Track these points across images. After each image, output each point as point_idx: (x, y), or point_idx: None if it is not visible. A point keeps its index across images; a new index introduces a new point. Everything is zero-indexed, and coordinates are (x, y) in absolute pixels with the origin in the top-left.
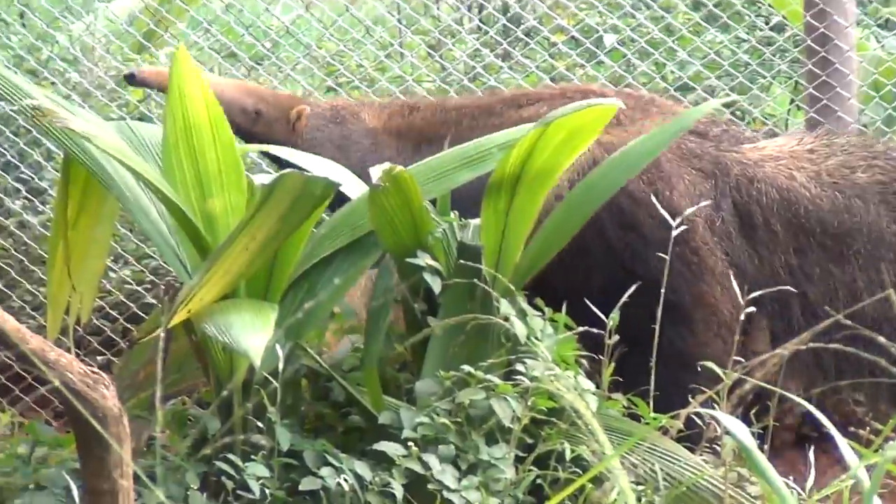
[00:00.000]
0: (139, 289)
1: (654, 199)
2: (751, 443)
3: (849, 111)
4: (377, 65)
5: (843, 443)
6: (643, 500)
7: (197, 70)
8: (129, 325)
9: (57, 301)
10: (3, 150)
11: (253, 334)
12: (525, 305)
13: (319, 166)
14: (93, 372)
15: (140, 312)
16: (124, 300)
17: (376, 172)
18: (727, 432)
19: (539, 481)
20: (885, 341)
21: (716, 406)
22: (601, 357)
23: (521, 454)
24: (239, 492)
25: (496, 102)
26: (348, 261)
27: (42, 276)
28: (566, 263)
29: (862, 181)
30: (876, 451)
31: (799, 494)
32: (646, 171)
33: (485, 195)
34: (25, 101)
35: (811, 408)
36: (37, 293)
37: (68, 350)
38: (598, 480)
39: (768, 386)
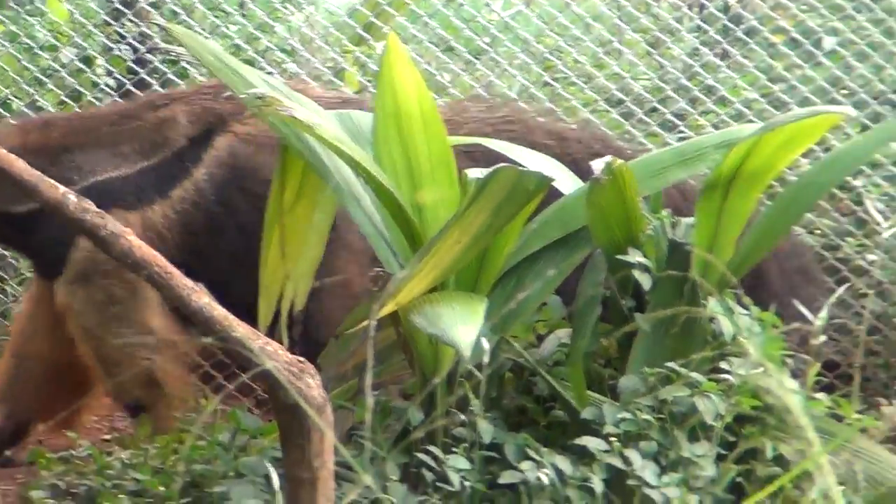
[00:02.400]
0: None
1: None
2: None
3: None
4: (595, 61)
5: None
6: (843, 500)
7: (409, 59)
8: None
9: (270, 288)
10: None
11: (462, 327)
12: (732, 304)
13: (533, 160)
14: (298, 361)
15: None
16: None
17: (599, 165)
18: None
19: (739, 479)
20: None
21: None
22: None
23: (722, 452)
24: (439, 483)
25: (134, 107)
26: (558, 256)
27: None
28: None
29: None
30: None
31: None
32: None
33: (699, 194)
34: (250, 90)
35: None
36: None
37: (279, 340)
38: (796, 479)
39: None
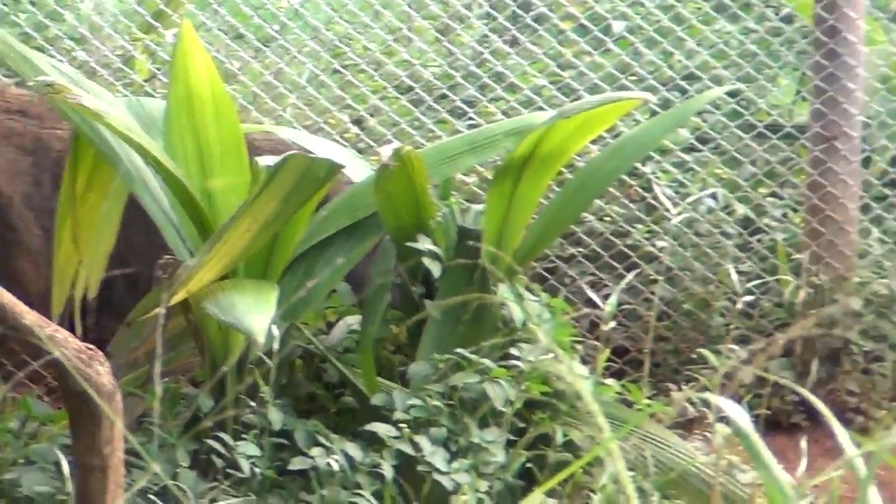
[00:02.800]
0: None
1: None
2: (749, 428)
3: (854, 103)
4: (385, 49)
5: (840, 430)
6: (632, 486)
7: (202, 46)
8: None
9: (63, 275)
10: None
11: (256, 314)
12: (523, 290)
13: (324, 148)
14: (87, 348)
15: None
16: None
17: (388, 151)
18: (722, 418)
19: (529, 465)
20: None
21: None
22: None
23: (512, 438)
24: (229, 470)
25: None
26: (348, 243)
27: None
28: None
29: None
30: (872, 439)
31: (791, 481)
32: None
33: (491, 180)
34: (39, 77)
35: (808, 394)
36: None
37: (70, 327)
38: (587, 465)
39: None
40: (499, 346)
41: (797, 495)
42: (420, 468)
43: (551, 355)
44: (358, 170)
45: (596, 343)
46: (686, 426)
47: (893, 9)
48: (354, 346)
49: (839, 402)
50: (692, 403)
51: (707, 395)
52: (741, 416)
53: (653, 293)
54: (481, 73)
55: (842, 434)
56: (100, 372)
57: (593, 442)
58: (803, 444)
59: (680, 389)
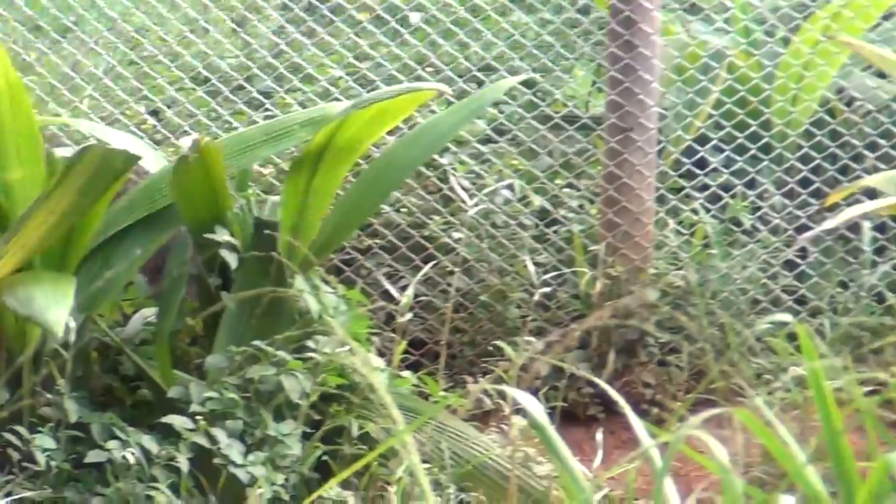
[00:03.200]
0: None
1: None
2: (544, 420)
3: (650, 94)
4: (181, 39)
5: (636, 421)
6: (429, 478)
7: None
8: None
9: None
10: None
11: (54, 308)
12: (319, 282)
13: (120, 139)
14: None
15: None
16: None
17: (187, 142)
18: (518, 410)
19: (325, 458)
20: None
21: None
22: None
23: (308, 430)
24: (24, 463)
25: None
26: (145, 234)
27: None
28: None
29: None
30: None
31: (587, 473)
32: None
33: (287, 171)
34: None
35: (604, 385)
36: None
37: None
38: (384, 458)
39: (560, 365)
40: (295, 338)
41: (593, 487)
42: (216, 461)
43: (347, 347)
44: (155, 161)
45: (392, 335)
46: (482, 418)
47: (689, 1)
48: (151, 339)
49: (635, 394)
50: (488, 395)
51: (503, 386)
52: (537, 407)
53: (449, 285)
54: (278, 64)
55: (638, 426)
56: None
57: (389, 434)
58: (599, 435)
59: (476, 381)
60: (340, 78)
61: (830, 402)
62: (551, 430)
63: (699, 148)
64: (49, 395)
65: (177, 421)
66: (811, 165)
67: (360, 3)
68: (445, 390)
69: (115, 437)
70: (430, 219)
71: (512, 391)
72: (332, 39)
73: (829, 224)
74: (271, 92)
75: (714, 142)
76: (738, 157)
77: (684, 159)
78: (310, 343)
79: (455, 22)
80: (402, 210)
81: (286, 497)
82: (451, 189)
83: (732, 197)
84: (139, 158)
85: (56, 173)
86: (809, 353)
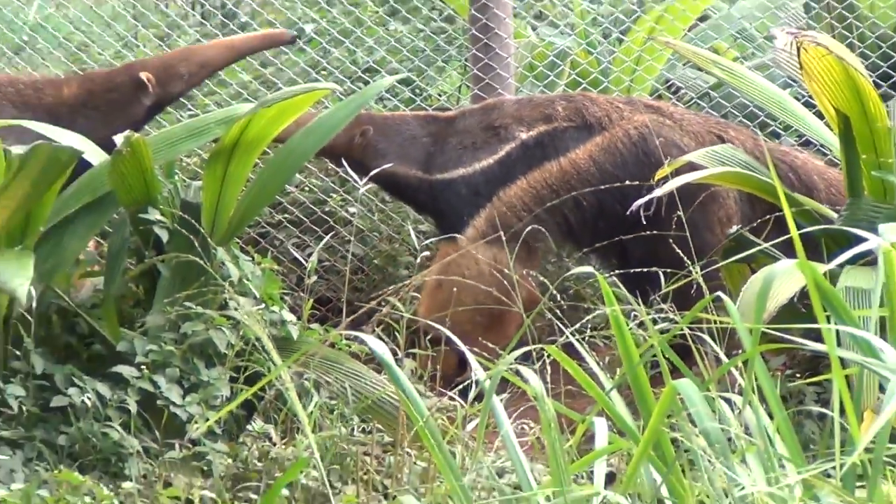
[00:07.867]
0: None
1: None
2: (389, 358)
3: (507, 89)
4: (116, 54)
5: (470, 356)
6: (335, 412)
7: None
8: None
9: None
10: None
11: (18, 278)
12: (238, 252)
13: (65, 137)
14: None
15: None
16: None
17: (119, 139)
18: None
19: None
20: None
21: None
22: None
23: (234, 375)
24: (0, 409)
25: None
26: (90, 216)
27: None
28: None
29: None
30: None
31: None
32: None
33: (207, 161)
34: None
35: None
36: None
37: None
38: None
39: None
40: (220, 299)
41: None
42: (159, 402)
43: (263, 305)
44: (95, 155)
45: (302, 294)
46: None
47: (536, 10)
48: (100, 303)
49: None
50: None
51: (360, 334)
52: (382, 348)
53: (348, 251)
54: None
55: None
56: None
57: (299, 377)
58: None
59: (373, 331)
60: (249, 81)
61: (629, 339)
62: (393, 365)
63: None
64: (18, 352)
65: (125, 370)
66: None
67: (262, 19)
68: (347, 339)
69: (75, 385)
70: (330, 196)
71: (365, 337)
72: None
73: (658, 192)
74: (192, 95)
75: None
76: None
77: None
78: (232, 303)
79: (342, 32)
80: (306, 190)
81: (218, 431)
82: (346, 171)
83: None
84: (82, 153)
85: (12, 168)
86: (610, 299)
